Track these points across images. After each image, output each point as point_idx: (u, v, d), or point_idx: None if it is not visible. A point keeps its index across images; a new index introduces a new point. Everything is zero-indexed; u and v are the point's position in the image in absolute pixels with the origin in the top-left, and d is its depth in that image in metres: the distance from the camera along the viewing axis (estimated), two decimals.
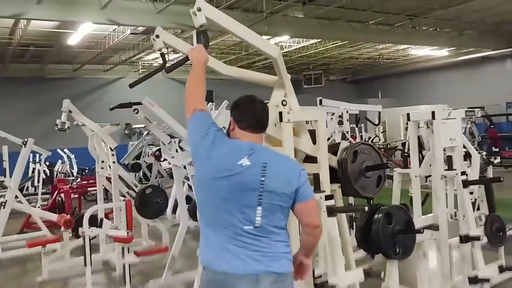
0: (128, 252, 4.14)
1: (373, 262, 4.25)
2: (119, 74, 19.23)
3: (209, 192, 2.16)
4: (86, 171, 14.34)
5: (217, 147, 2.17)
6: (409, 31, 15.07)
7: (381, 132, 12.52)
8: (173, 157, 4.75)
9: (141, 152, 10.11)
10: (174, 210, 7.63)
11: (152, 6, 10.60)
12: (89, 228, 4.06)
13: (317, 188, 3.10)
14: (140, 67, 19.27)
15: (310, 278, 3.04)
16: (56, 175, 9.80)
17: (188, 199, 7.36)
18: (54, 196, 8.11)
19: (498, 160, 12.28)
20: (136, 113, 4.75)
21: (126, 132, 17.64)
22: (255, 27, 12.22)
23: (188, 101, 2.36)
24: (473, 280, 3.78)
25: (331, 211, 3.04)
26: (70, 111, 5.60)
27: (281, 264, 2.11)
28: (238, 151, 2.16)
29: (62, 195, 8.26)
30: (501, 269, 4.03)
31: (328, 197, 3.06)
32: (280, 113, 3.01)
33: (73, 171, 12.59)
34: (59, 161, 11.20)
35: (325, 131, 3.34)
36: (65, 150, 12.78)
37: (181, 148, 4.54)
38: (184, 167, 4.64)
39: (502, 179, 4.04)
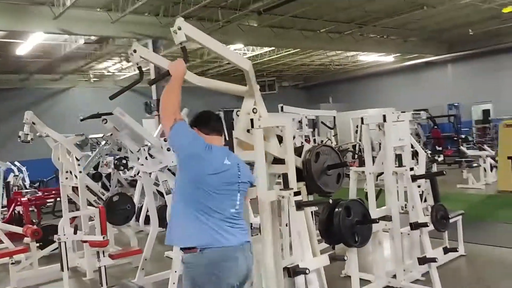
0: (104, 256, 4.29)
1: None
2: (69, 83, 18.88)
3: (202, 186, 2.58)
4: (37, 184, 14.05)
5: (209, 150, 2.63)
6: (358, 39, 15.86)
7: (333, 136, 13.11)
8: (142, 165, 4.94)
9: (99, 162, 10.09)
10: (137, 218, 7.77)
11: (107, 15, 10.63)
12: (64, 235, 4.19)
13: (286, 186, 3.42)
14: (91, 76, 19.01)
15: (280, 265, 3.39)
16: (11, 188, 9.59)
17: None
18: (11, 209, 8.00)
19: (441, 158, 13.19)
20: (105, 123, 4.90)
21: (78, 142, 17.36)
22: (210, 36, 12.50)
23: (167, 112, 2.61)
24: (422, 260, 4.24)
25: (299, 206, 3.38)
26: (33, 123, 5.63)
27: (249, 235, 2.85)
28: (221, 154, 2.71)
29: (18, 208, 8.21)
30: (445, 251, 4.53)
31: (296, 193, 3.40)
32: (252, 120, 3.32)
33: (25, 183, 12.32)
34: (11, 174, 10.94)
35: (291, 135, 3.67)
36: (16, 162, 12.49)
37: (151, 156, 4.73)
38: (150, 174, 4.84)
39: (445, 172, 4.54)
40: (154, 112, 12.03)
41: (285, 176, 3.45)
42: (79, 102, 18.66)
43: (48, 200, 10.17)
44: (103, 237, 4.31)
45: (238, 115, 3.61)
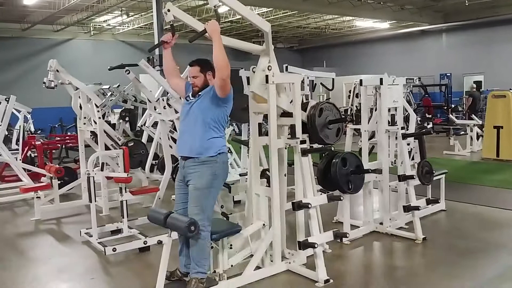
0: (126, 191, 4.83)
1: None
2: (70, 35, 18.95)
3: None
4: (40, 131, 14.47)
5: None
6: (355, 4, 16.09)
7: (326, 100, 13.60)
8: (160, 113, 5.40)
9: (105, 112, 10.50)
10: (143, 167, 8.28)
11: None
12: (93, 170, 4.71)
13: (293, 136, 3.94)
14: (91, 29, 19.08)
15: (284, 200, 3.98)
16: (23, 133, 10.01)
17: (156, 156, 8.04)
18: (25, 152, 8.46)
19: (430, 125, 13.77)
20: (128, 73, 5.29)
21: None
22: None
23: (225, 63, 3.39)
24: (407, 208, 4.84)
25: (305, 152, 3.90)
26: (57, 71, 6.02)
27: None
28: None
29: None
30: (428, 202, 5.13)
31: (302, 142, 3.91)
32: (267, 76, 3.79)
33: (31, 130, 12.73)
34: (21, 120, 11.33)
35: (299, 91, 4.12)
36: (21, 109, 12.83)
37: (169, 105, 5.18)
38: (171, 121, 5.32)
39: (432, 132, 5.08)
40: (157, 68, 12.36)
41: (292, 127, 3.95)
42: (78, 54, 18.82)
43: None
44: (127, 174, 4.83)
45: (254, 72, 4.04)
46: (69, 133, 13.62)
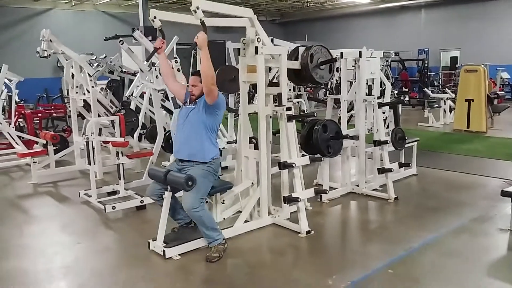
0: (122, 155, 5.18)
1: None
2: (50, 4, 18.72)
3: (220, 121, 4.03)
4: (23, 101, 14.49)
5: None
6: None
7: (299, 85, 13.90)
8: (152, 82, 5.71)
9: None
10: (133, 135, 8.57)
11: None
12: (91, 135, 5.03)
13: (280, 104, 4.33)
14: None
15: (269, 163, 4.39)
16: (10, 101, 10.12)
17: (144, 126, 8.35)
18: (15, 120, 8.65)
19: (406, 98, 14.30)
20: (122, 44, 5.55)
21: (58, 65, 17.53)
22: None
23: (211, 73, 3.68)
24: (381, 170, 5.33)
25: (290, 118, 4.31)
26: (51, 41, 6.22)
27: None
28: None
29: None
30: (400, 165, 5.63)
31: (288, 109, 4.32)
32: (256, 47, 4.15)
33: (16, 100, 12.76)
34: (13, 89, 11.40)
35: (286, 63, 4.48)
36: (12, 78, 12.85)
37: (161, 74, 5.46)
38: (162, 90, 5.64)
39: (405, 101, 5.54)
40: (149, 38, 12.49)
41: (279, 96, 4.34)
42: (59, 25, 18.60)
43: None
44: (123, 139, 5.18)
45: (244, 43, 4.37)
46: (54, 103, 13.71)
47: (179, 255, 3.79)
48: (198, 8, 3.76)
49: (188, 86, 3.99)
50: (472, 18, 19.11)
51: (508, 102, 13.99)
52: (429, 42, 20.37)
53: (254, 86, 4.57)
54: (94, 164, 5.04)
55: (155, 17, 3.87)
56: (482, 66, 10.76)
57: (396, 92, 13.47)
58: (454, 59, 20.17)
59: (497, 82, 16.12)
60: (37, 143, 7.27)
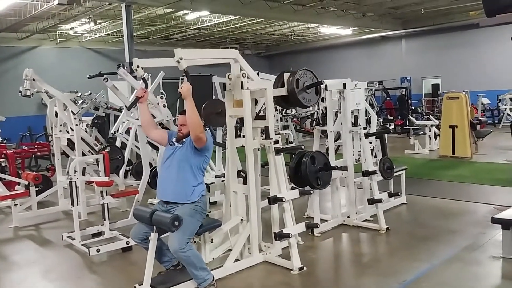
0: (107, 195, 5.04)
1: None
2: (35, 43, 18.75)
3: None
4: (6, 140, 14.27)
5: None
6: (319, 12, 16.69)
7: (288, 109, 14.00)
8: (137, 119, 5.64)
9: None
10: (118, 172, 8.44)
11: None
12: (74, 175, 4.90)
13: (267, 137, 4.28)
14: (57, 36, 18.92)
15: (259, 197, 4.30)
16: None
17: (130, 163, 8.24)
18: None
19: (392, 126, 14.42)
20: (106, 81, 5.50)
21: (43, 102, 17.40)
22: (180, 3, 12.98)
23: (198, 123, 3.66)
24: (371, 201, 5.27)
25: (278, 151, 4.26)
26: (33, 79, 6.15)
27: None
28: None
29: None
30: (390, 195, 5.59)
31: (275, 142, 4.27)
32: (242, 82, 4.13)
33: None
34: None
35: (272, 96, 4.46)
36: None
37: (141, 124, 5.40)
38: None
39: (391, 130, 5.55)
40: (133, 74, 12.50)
41: (266, 129, 4.29)
42: (43, 62, 18.61)
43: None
44: (108, 178, 5.05)
45: (230, 78, 4.36)
46: (38, 142, 13.51)
47: None
48: (181, 58, 3.76)
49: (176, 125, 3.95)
50: (450, 46, 19.62)
51: (490, 127, 14.20)
52: (411, 70, 20.79)
53: (241, 119, 4.53)
54: (78, 205, 4.90)
55: (138, 66, 3.85)
56: (463, 92, 10.94)
57: (381, 120, 13.64)
58: (435, 86, 20.56)
59: (478, 108, 16.41)
60: (19, 184, 7.07)
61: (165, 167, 3.86)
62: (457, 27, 18.71)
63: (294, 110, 15.45)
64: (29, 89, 6.12)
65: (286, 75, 4.63)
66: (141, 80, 4.02)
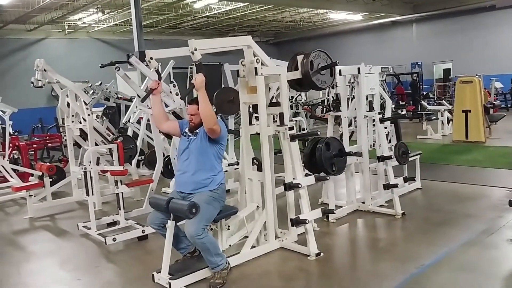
0: (121, 184, 5.05)
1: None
2: (43, 34, 18.79)
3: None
4: (16, 132, 14.36)
5: None
6: None
7: (302, 92, 13.92)
8: (150, 107, 5.60)
9: None
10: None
11: None
12: (89, 165, 4.90)
13: (282, 123, 4.24)
14: (65, 27, 18.94)
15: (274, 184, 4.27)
16: (3, 133, 10.00)
17: (141, 152, 8.24)
18: (9, 152, 8.51)
19: (404, 112, 14.27)
20: (118, 70, 5.47)
21: (53, 94, 17.49)
22: None
23: (211, 112, 3.67)
24: (386, 186, 5.23)
25: (293, 137, 4.22)
26: (45, 70, 6.14)
27: None
28: None
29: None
30: (405, 180, 5.54)
31: (291, 128, 4.23)
32: (256, 68, 4.08)
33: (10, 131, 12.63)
34: (7, 121, 11.28)
35: (286, 82, 4.41)
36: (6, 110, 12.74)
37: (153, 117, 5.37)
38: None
39: (406, 115, 5.47)
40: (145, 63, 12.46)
41: (281, 115, 4.25)
42: (52, 53, 18.66)
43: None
44: (122, 167, 5.06)
45: (243, 64, 4.30)
46: (50, 133, 13.59)
47: (185, 286, 3.63)
48: (195, 49, 3.72)
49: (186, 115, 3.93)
50: (462, 30, 19.30)
51: (503, 111, 14.01)
52: (422, 55, 20.51)
53: (253, 107, 4.48)
54: (92, 194, 4.90)
55: (151, 58, 3.83)
56: (476, 76, 10.77)
57: (393, 106, 13.50)
58: (447, 71, 20.29)
59: (491, 91, 16.18)
60: (32, 175, 7.12)
61: (182, 160, 3.85)
62: (468, 11, 18.39)
63: (304, 97, 15.40)
64: (40, 80, 6.11)
65: (299, 58, 4.56)
66: (154, 71, 3.98)
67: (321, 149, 4.77)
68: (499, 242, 4.27)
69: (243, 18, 19.53)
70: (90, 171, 4.88)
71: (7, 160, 7.50)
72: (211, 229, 3.95)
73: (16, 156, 9.10)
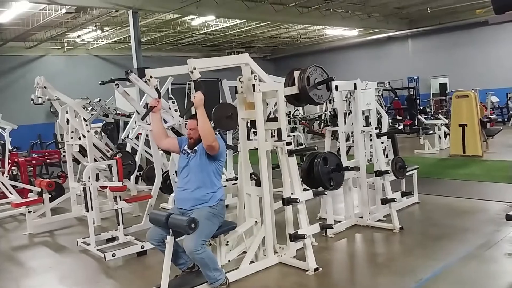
0: (120, 200, 5.07)
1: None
2: (42, 51, 18.93)
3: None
4: (15, 149, 14.38)
5: None
6: (325, 14, 16.70)
7: (300, 106, 14.04)
8: (149, 124, 5.66)
9: None
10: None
11: None
12: (88, 181, 4.93)
13: (280, 138, 4.29)
14: (64, 44, 19.10)
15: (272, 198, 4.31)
16: (3, 149, 10.04)
17: (140, 168, 8.27)
18: (8, 168, 8.53)
19: (401, 126, 14.39)
20: (117, 87, 5.53)
21: (51, 110, 17.54)
22: (187, 8, 13.05)
23: (210, 130, 3.75)
24: (384, 200, 5.26)
25: (291, 153, 4.27)
26: (45, 87, 6.20)
27: None
28: None
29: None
30: (403, 194, 5.58)
31: (288, 143, 4.28)
32: (253, 85, 4.15)
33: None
34: (6, 137, 11.32)
35: (283, 98, 4.49)
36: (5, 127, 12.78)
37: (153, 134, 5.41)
38: None
39: (402, 129, 5.54)
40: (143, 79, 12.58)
41: (278, 131, 4.30)
42: (51, 70, 18.76)
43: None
44: (122, 183, 5.09)
45: (241, 81, 4.37)
46: (48, 149, 13.62)
47: None
48: (194, 68, 3.79)
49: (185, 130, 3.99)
50: (457, 45, 19.53)
51: (500, 125, 14.11)
52: (418, 70, 20.71)
53: (251, 122, 4.53)
54: (92, 210, 4.92)
55: (151, 77, 3.91)
56: (472, 91, 10.88)
57: (390, 120, 13.61)
58: (443, 86, 20.46)
59: (487, 106, 16.32)
60: (31, 191, 7.14)
61: (181, 177, 3.90)
62: (463, 26, 18.63)
63: (302, 112, 15.51)
64: (40, 97, 6.17)
65: (296, 73, 4.63)
66: (154, 90, 4.06)
67: (319, 164, 4.82)
68: (497, 256, 4.30)
69: (241, 34, 19.74)
70: (89, 187, 4.91)
71: (7, 177, 7.52)
72: (210, 244, 3.97)
73: (15, 172, 9.12)
